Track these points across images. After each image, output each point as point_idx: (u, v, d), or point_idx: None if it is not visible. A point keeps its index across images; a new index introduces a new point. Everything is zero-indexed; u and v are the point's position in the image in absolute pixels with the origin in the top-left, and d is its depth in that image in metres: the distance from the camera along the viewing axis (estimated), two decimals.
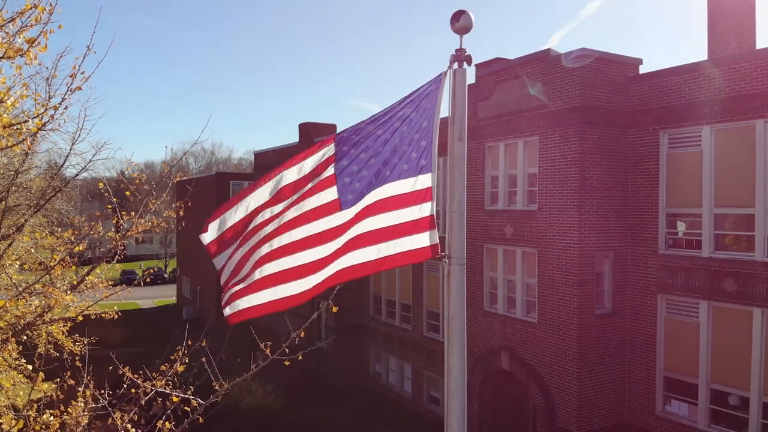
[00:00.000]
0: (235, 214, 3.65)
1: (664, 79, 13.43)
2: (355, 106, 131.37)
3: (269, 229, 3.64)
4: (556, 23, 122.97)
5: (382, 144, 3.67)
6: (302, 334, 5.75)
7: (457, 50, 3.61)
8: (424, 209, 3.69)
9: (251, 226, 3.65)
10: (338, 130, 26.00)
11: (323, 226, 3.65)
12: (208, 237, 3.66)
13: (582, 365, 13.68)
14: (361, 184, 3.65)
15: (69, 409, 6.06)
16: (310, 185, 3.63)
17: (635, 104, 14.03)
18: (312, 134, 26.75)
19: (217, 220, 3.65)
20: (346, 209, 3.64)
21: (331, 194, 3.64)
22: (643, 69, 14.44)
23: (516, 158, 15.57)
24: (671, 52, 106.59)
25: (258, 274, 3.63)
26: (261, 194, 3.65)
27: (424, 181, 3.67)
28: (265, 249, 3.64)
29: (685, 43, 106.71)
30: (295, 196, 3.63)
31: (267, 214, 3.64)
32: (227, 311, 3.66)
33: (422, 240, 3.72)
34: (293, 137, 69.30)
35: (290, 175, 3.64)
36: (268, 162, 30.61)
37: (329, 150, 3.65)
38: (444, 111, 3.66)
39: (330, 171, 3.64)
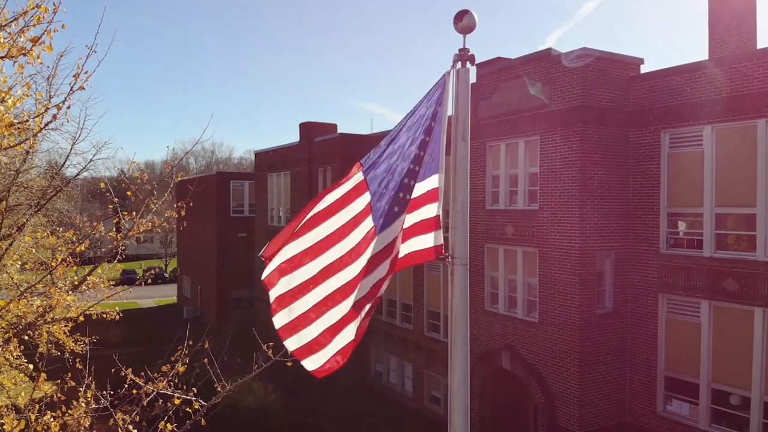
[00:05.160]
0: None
1: (666, 78, 13.41)
2: (356, 106, 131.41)
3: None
4: (553, 24, 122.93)
5: (400, 155, 3.63)
6: None
7: (460, 50, 3.58)
8: (431, 210, 3.69)
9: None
10: (339, 130, 25.56)
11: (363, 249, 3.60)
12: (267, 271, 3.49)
13: (583, 365, 13.67)
14: (384, 201, 3.59)
15: (70, 410, 6.04)
16: (347, 216, 3.55)
17: (636, 104, 14.01)
18: (312, 134, 26.62)
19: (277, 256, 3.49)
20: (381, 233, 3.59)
21: (367, 223, 3.57)
22: (641, 69, 14.42)
23: (517, 158, 15.55)
24: (667, 52, 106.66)
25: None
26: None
27: (431, 181, 3.67)
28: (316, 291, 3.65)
29: (682, 43, 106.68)
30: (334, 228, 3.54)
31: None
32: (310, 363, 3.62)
33: (427, 240, 3.72)
34: (293, 137, 69.23)
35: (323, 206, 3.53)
36: (269, 161, 30.55)
37: (358, 177, 3.56)
38: (448, 111, 3.65)
39: (365, 200, 3.56)
